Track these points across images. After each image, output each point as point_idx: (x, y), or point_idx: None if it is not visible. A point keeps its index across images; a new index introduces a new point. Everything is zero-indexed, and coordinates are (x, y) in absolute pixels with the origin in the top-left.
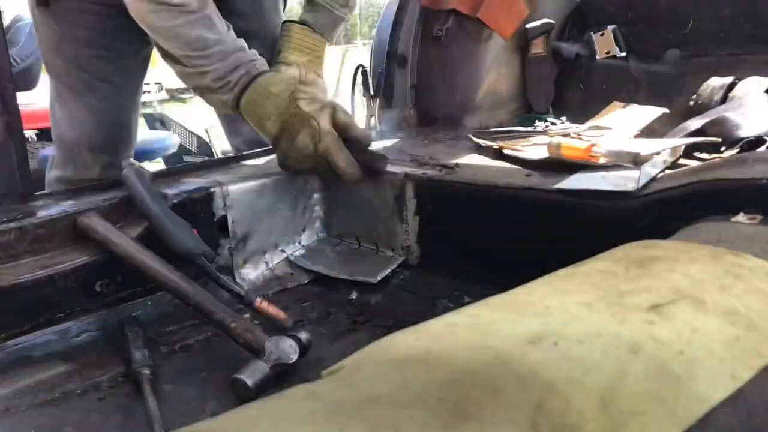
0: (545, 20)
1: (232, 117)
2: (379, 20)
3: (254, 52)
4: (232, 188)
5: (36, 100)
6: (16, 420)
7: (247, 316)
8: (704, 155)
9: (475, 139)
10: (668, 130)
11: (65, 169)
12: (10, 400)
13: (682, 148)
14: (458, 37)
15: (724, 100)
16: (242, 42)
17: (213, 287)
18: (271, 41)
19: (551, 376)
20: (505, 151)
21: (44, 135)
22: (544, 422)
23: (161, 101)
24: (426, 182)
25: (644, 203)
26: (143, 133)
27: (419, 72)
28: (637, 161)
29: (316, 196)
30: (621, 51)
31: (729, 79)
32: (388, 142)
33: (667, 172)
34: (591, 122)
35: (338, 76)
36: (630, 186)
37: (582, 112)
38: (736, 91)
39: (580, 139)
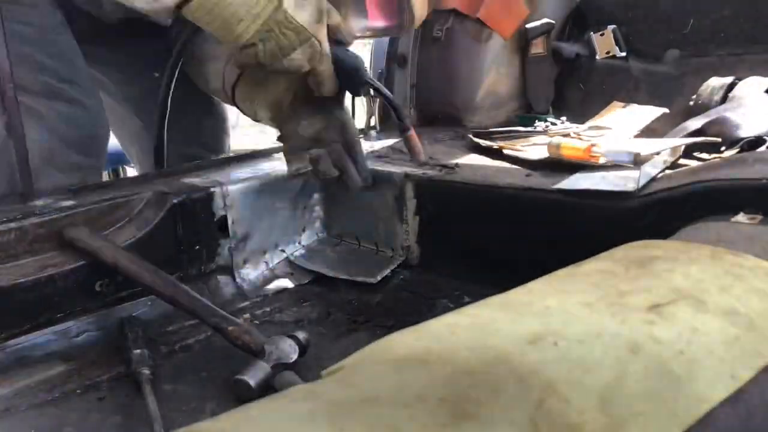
0: (545, 20)
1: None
2: None
3: None
4: (232, 188)
5: None
6: (16, 420)
7: (246, 316)
8: (704, 155)
9: (475, 139)
10: (668, 130)
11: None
12: (10, 400)
13: (682, 148)
14: (458, 37)
15: (724, 100)
16: None
17: (212, 287)
18: None
19: (551, 376)
20: (505, 151)
21: None
22: (544, 422)
23: None
24: (426, 182)
25: (644, 203)
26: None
27: (419, 72)
28: (637, 161)
29: (316, 196)
30: (621, 51)
31: (729, 79)
32: (388, 142)
33: (667, 172)
34: (591, 122)
35: None
36: (630, 186)
37: (582, 112)
38: (736, 91)
39: (580, 139)
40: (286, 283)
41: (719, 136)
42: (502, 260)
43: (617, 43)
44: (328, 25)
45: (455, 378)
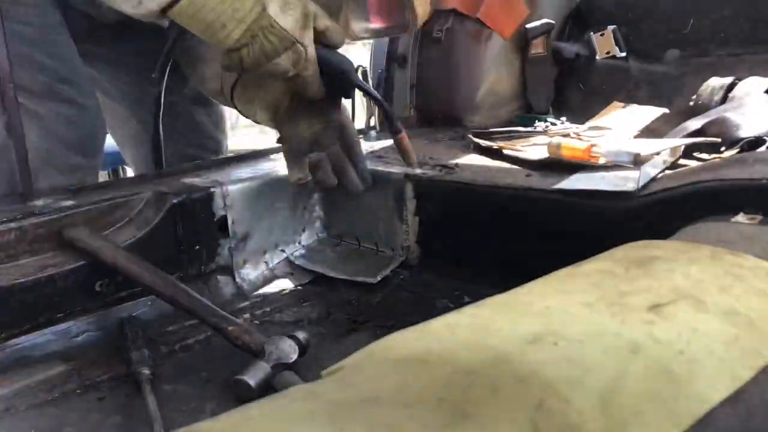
0: (545, 20)
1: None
2: None
3: None
4: (232, 188)
5: None
6: (16, 420)
7: (246, 316)
8: (704, 155)
9: (475, 139)
10: (668, 130)
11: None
12: (10, 400)
13: (682, 148)
14: (458, 37)
15: (724, 100)
16: None
17: (212, 286)
18: None
19: (551, 376)
20: (505, 151)
21: None
22: (544, 422)
23: None
24: (426, 182)
25: (644, 203)
26: None
27: (419, 72)
28: (637, 161)
29: (316, 196)
30: (621, 51)
31: (729, 79)
32: (388, 142)
33: (667, 172)
34: (591, 122)
35: None
36: (630, 186)
37: (582, 112)
38: (736, 91)
39: (580, 139)
40: (286, 283)
41: (719, 137)
42: (501, 260)
43: (617, 43)
44: (315, 29)
45: (455, 378)
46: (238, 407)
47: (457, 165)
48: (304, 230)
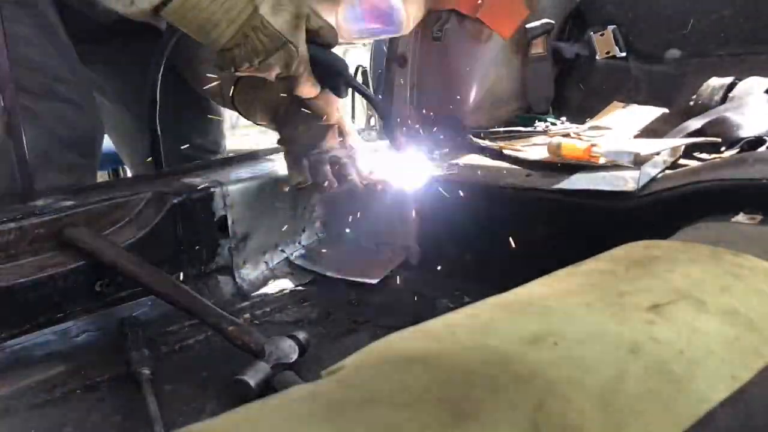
0: (545, 20)
1: None
2: None
3: None
4: (232, 188)
5: None
6: (16, 420)
7: (246, 316)
8: (704, 155)
9: (475, 139)
10: (668, 130)
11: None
12: (10, 400)
13: (682, 148)
14: (458, 37)
15: (724, 100)
16: None
17: (212, 286)
18: None
19: (551, 376)
20: (505, 151)
21: None
22: (544, 422)
23: None
24: (426, 182)
25: (644, 203)
26: None
27: (419, 72)
28: (637, 161)
29: (316, 196)
30: (621, 51)
31: (729, 79)
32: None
33: (667, 172)
34: (591, 122)
35: None
36: (630, 186)
37: (582, 112)
38: (736, 91)
39: (580, 139)
40: (286, 283)
41: (719, 136)
42: (501, 260)
43: (617, 43)
44: (308, 29)
45: (455, 378)
46: (238, 407)
47: (457, 165)
48: (304, 230)
